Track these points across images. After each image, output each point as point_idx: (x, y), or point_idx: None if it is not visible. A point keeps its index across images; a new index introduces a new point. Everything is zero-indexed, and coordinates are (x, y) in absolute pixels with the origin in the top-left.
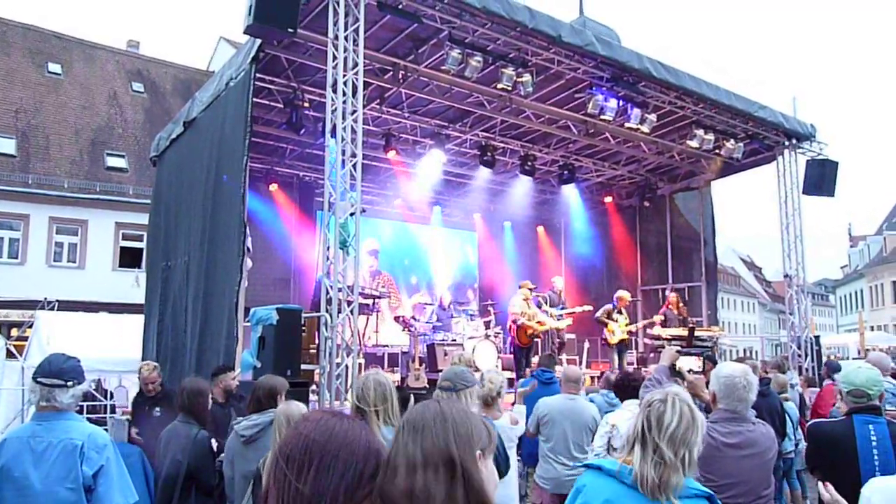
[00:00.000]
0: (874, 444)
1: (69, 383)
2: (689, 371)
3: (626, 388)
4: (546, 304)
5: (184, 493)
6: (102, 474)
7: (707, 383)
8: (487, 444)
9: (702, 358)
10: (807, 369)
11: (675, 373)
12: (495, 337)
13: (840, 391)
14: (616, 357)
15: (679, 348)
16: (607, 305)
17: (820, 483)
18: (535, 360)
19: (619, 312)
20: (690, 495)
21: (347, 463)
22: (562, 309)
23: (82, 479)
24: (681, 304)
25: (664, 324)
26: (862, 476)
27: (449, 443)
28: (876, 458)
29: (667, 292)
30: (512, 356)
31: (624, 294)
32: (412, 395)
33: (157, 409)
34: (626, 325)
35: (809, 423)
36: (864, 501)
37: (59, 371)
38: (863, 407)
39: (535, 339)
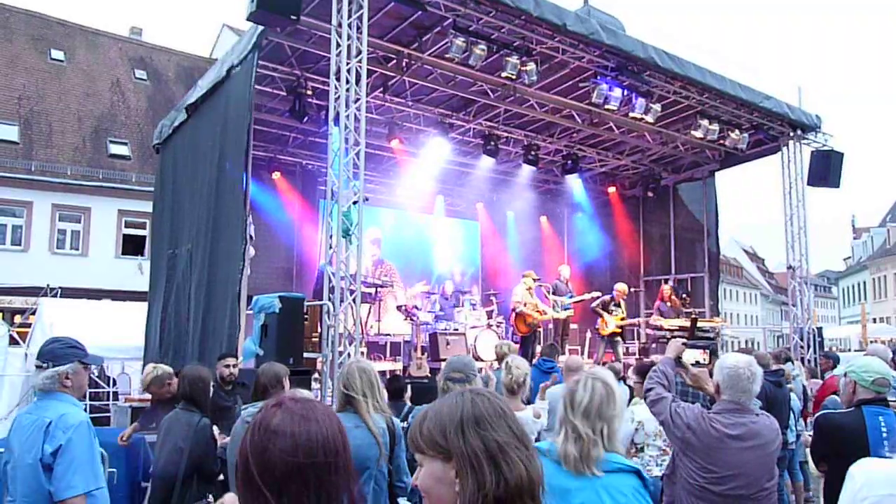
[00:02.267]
0: (885, 434)
1: (45, 365)
2: (696, 363)
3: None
4: (551, 293)
5: (186, 480)
6: (62, 453)
7: (711, 373)
8: None
9: (707, 351)
10: (809, 361)
11: (679, 365)
12: (497, 326)
13: (853, 381)
14: (602, 347)
15: (685, 341)
16: (605, 297)
17: None
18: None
19: (617, 305)
20: (614, 469)
21: (341, 466)
22: (570, 297)
23: (41, 455)
24: (674, 296)
25: (661, 315)
26: None
27: (514, 431)
28: (887, 448)
29: (662, 284)
30: (514, 346)
31: (622, 287)
32: (408, 385)
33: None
34: (621, 319)
35: (818, 413)
36: (849, 478)
37: (39, 353)
38: (874, 398)
39: (536, 329)
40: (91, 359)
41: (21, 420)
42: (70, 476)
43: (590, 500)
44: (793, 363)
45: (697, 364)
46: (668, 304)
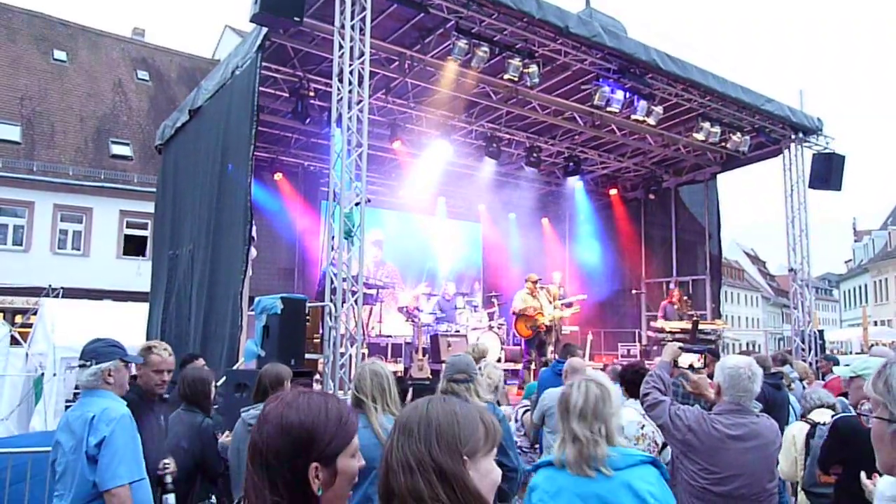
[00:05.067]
0: None
1: (88, 363)
2: (690, 367)
3: (635, 382)
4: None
5: (189, 480)
6: (105, 444)
7: (710, 376)
8: (482, 444)
9: (703, 355)
10: (810, 363)
11: (676, 367)
12: (499, 328)
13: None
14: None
15: (681, 344)
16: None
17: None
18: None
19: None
20: (635, 463)
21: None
22: (561, 301)
23: (85, 448)
24: (683, 299)
25: (665, 317)
26: None
27: (431, 449)
28: None
29: (671, 285)
30: (516, 348)
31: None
32: (411, 388)
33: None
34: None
35: (836, 417)
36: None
37: (83, 353)
38: None
39: (540, 331)
40: (130, 357)
41: (68, 417)
42: (115, 466)
43: (608, 498)
44: (792, 366)
45: (692, 368)
46: (676, 306)
